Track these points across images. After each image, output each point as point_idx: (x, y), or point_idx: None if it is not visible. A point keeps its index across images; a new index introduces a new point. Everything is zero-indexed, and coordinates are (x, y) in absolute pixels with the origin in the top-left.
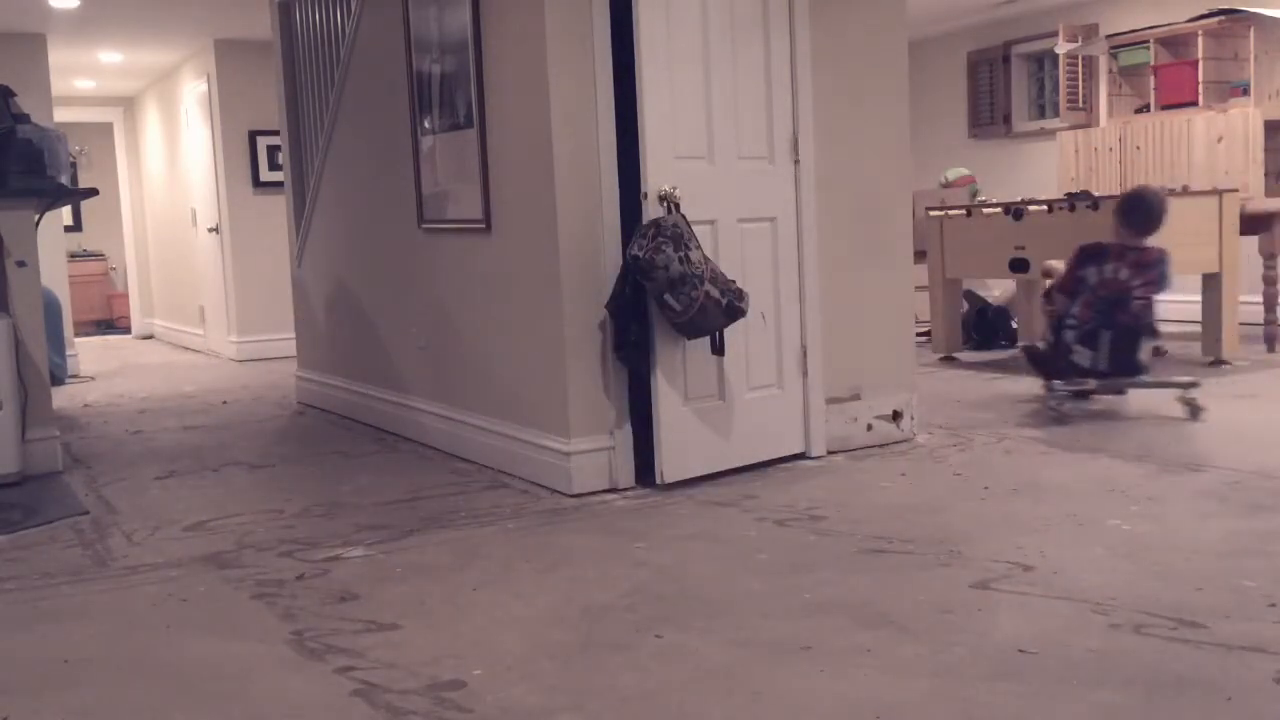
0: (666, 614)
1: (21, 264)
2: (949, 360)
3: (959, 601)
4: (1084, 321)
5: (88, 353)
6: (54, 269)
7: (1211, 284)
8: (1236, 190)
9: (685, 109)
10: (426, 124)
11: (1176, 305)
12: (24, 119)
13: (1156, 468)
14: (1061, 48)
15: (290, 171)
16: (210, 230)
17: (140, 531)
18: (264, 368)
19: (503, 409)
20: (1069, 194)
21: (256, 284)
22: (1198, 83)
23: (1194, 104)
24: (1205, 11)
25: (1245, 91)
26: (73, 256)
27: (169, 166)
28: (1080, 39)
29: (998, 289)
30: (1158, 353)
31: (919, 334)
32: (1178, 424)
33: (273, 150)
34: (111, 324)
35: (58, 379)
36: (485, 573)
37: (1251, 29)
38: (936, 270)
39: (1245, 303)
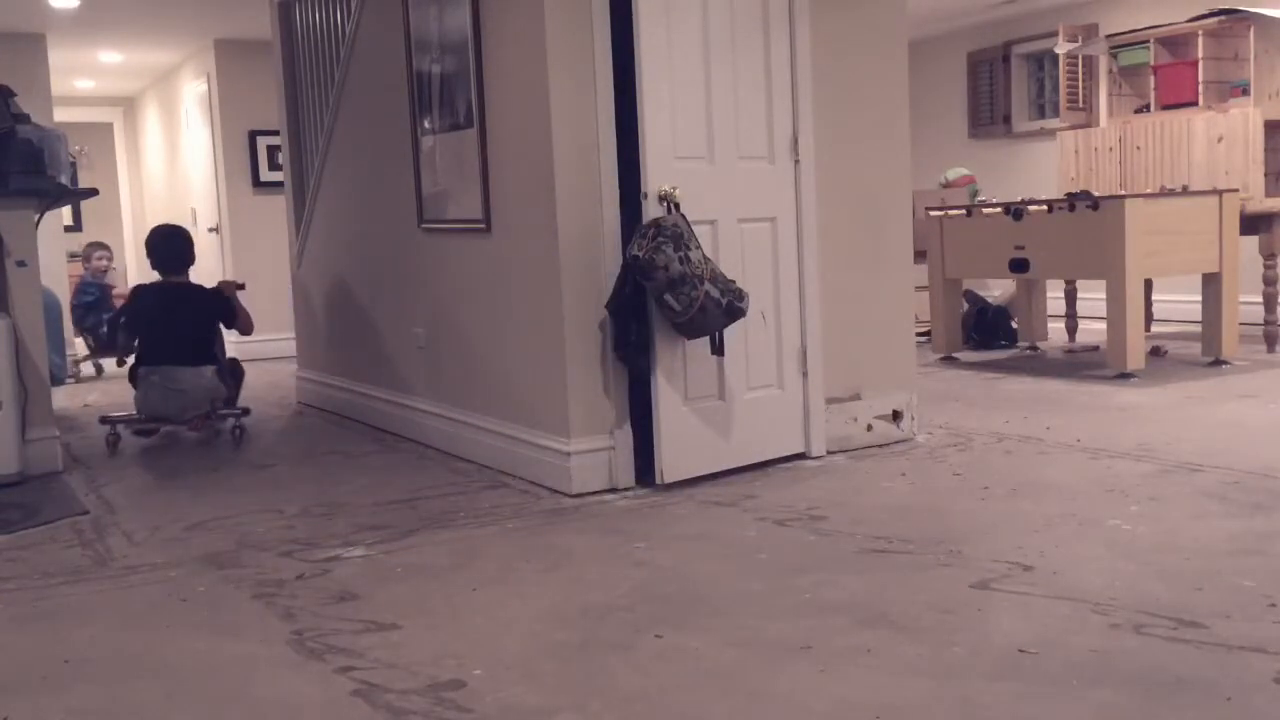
0: (666, 614)
1: (21, 264)
2: (949, 360)
3: (959, 601)
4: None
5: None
6: (54, 269)
7: (1211, 284)
8: (1236, 190)
9: (685, 109)
10: (426, 124)
11: (1177, 305)
12: (24, 119)
13: (1156, 468)
14: (1061, 48)
15: (290, 171)
16: (210, 230)
17: (140, 531)
18: (264, 368)
19: (503, 409)
20: (1069, 194)
21: (256, 284)
22: (1198, 83)
23: (1194, 104)
24: (1205, 11)
25: (1245, 91)
26: (73, 256)
27: (169, 166)
28: (1080, 39)
29: (998, 289)
30: (1157, 352)
31: (919, 334)
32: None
33: (273, 150)
34: None
35: (58, 379)
36: (485, 573)
37: (1251, 29)
38: (936, 270)
39: (1245, 303)
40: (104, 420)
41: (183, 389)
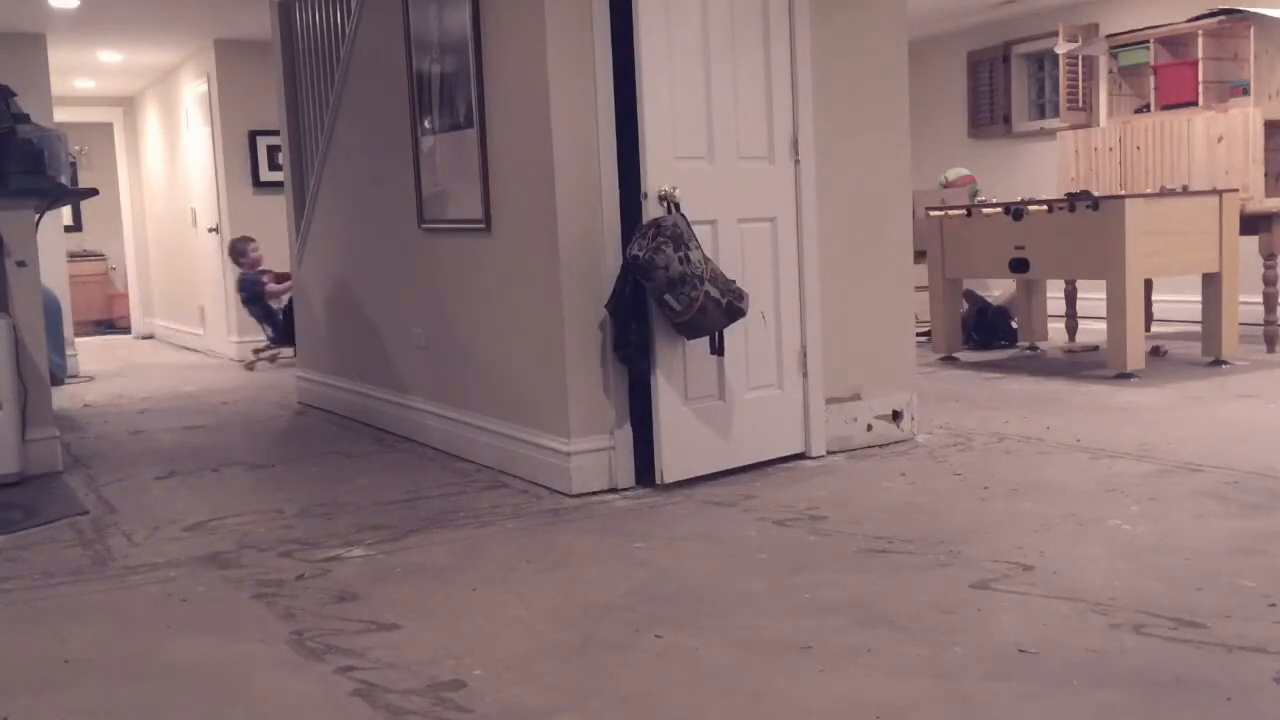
0: (666, 614)
1: (21, 264)
2: (949, 360)
3: (959, 601)
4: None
5: (88, 353)
6: (54, 269)
7: (1211, 284)
8: (1236, 190)
9: (685, 109)
10: (426, 124)
11: (1177, 305)
12: (24, 119)
13: (1156, 468)
14: (1061, 48)
15: (290, 171)
16: (210, 230)
17: (140, 531)
18: (263, 367)
19: (503, 409)
20: (1069, 194)
21: None
22: (1198, 83)
23: (1194, 104)
24: (1205, 11)
25: (1245, 91)
26: (73, 256)
27: (169, 166)
28: (1080, 39)
29: (998, 289)
30: (1157, 352)
31: (919, 334)
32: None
33: (273, 150)
34: (112, 324)
35: (58, 379)
36: (485, 573)
37: (1251, 29)
38: (936, 270)
39: (1245, 303)
40: None
41: None
